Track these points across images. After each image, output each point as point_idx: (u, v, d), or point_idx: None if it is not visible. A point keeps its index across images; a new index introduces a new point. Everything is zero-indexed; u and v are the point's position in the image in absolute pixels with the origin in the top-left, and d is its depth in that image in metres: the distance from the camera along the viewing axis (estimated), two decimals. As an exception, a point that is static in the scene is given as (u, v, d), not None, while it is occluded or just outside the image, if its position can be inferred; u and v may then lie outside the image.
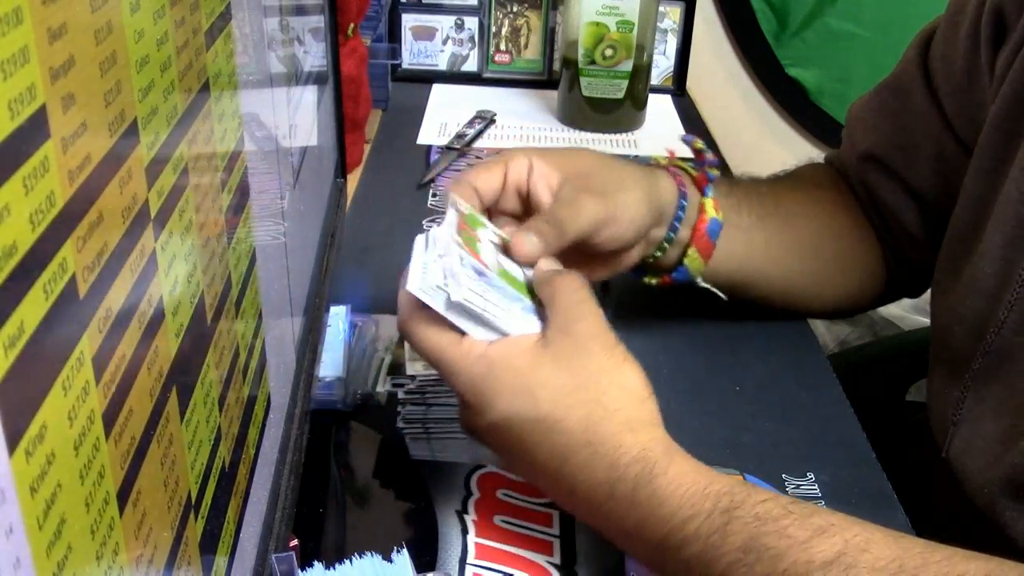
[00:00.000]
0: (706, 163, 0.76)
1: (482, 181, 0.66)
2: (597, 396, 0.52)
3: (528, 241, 0.62)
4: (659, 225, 0.72)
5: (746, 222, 0.77)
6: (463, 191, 0.64)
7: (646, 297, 0.86)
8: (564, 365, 0.53)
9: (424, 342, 0.55)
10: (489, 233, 0.63)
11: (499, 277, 0.57)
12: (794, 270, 0.80)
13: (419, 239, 0.59)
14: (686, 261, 0.74)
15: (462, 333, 0.54)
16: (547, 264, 0.61)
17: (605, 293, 0.75)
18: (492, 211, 0.67)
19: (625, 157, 0.73)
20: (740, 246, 0.76)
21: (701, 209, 0.73)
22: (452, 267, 0.55)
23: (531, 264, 0.62)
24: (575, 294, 0.56)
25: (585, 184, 0.66)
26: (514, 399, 0.53)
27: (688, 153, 0.80)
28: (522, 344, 0.54)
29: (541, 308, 0.57)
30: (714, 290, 0.77)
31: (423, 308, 0.55)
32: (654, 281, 0.76)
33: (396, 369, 0.76)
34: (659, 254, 0.73)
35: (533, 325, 0.56)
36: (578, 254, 0.68)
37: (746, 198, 0.78)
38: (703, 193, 0.74)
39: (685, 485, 0.49)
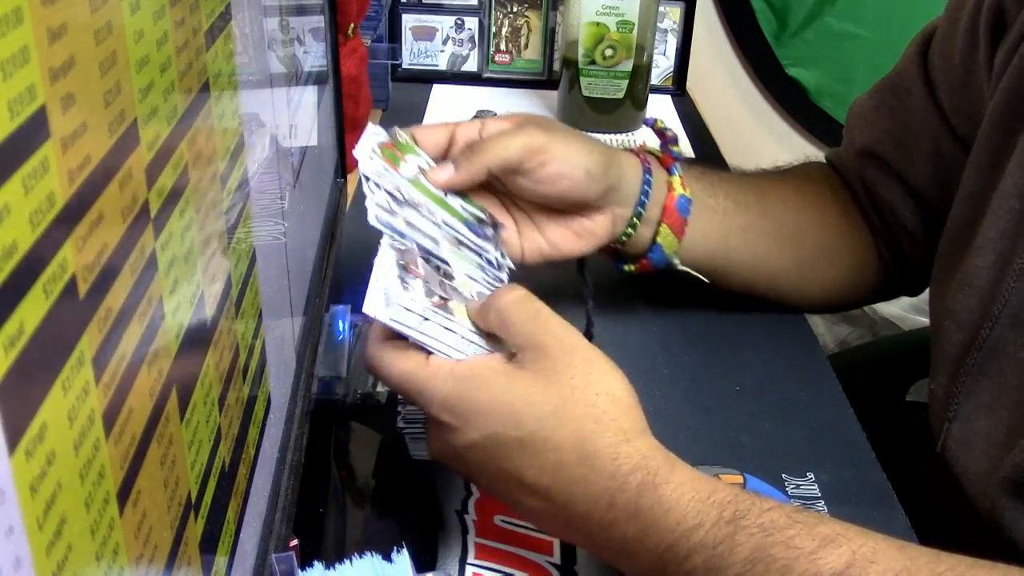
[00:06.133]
0: (669, 141, 0.76)
1: (421, 131, 0.69)
2: (586, 410, 0.51)
3: (442, 168, 0.66)
4: (622, 201, 0.72)
5: (723, 205, 0.77)
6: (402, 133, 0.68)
7: (645, 298, 0.86)
8: (544, 383, 0.51)
9: (391, 367, 0.54)
10: (421, 160, 0.66)
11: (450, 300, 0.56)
12: (775, 257, 0.80)
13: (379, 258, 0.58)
14: (659, 239, 0.74)
15: (427, 355, 0.54)
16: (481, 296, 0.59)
17: (581, 273, 0.75)
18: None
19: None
20: (716, 228, 0.77)
21: (669, 187, 0.74)
22: (397, 286, 0.54)
23: (450, 190, 0.66)
24: (525, 307, 0.54)
25: (536, 123, 0.69)
26: (496, 419, 0.51)
27: (656, 142, 0.81)
28: (491, 363, 0.53)
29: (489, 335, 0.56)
30: (694, 273, 0.77)
31: (391, 338, 0.55)
32: (632, 268, 0.77)
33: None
34: (630, 231, 0.73)
35: (484, 347, 0.55)
36: (540, 214, 0.71)
37: (722, 183, 0.78)
38: (669, 172, 0.75)
39: (689, 493, 0.49)
